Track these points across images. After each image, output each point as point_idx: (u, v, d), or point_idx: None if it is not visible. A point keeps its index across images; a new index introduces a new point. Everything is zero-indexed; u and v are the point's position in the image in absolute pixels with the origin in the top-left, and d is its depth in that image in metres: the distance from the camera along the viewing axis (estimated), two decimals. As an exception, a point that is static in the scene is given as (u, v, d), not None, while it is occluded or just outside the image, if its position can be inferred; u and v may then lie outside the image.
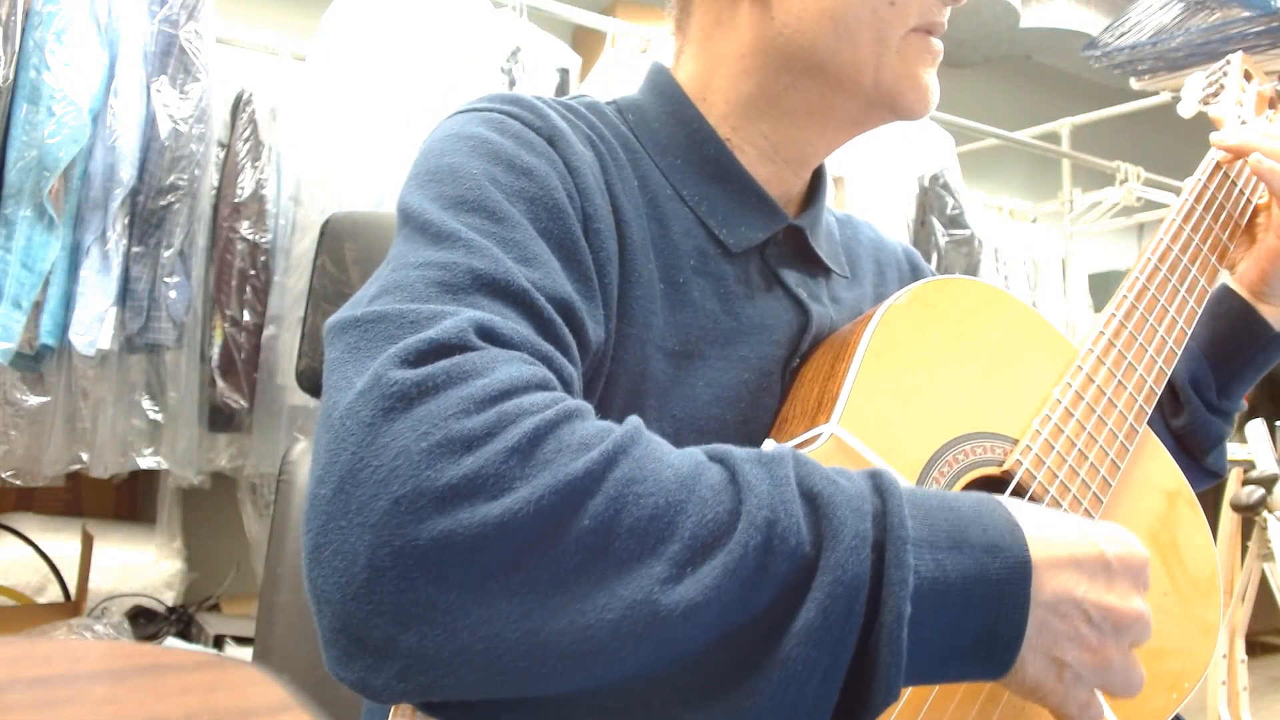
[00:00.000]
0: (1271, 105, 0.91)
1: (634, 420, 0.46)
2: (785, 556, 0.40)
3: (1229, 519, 1.99)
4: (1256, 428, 2.02)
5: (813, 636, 0.39)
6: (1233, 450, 3.51)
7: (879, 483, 0.44)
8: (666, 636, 0.39)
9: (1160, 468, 0.69)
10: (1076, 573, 0.46)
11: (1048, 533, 0.46)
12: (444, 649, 0.38)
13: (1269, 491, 1.88)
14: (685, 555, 0.40)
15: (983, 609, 0.43)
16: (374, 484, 0.40)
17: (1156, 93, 2.95)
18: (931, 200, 2.96)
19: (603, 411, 0.58)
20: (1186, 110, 0.91)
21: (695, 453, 0.45)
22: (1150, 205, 3.43)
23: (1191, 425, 0.80)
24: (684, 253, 0.64)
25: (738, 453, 0.45)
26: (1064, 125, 3.60)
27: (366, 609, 0.39)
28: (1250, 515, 1.91)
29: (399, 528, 0.39)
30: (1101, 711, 0.48)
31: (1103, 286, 3.66)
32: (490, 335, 0.46)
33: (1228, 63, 0.91)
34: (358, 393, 0.42)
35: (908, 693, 0.52)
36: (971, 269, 2.98)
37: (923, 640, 0.42)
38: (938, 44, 0.66)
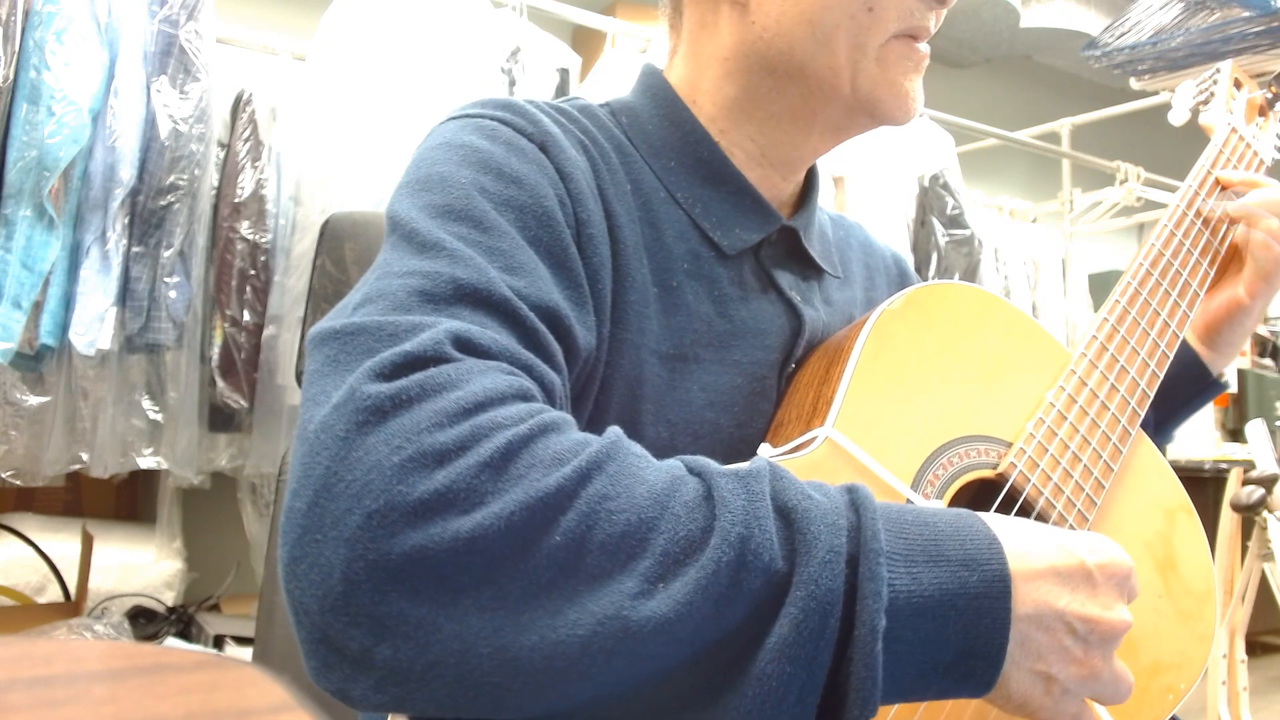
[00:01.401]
0: (1261, 113, 0.91)
1: (613, 432, 0.46)
2: (759, 572, 0.40)
3: (1229, 519, 1.98)
4: (1256, 427, 2.02)
5: (786, 652, 0.39)
6: (1233, 450, 3.51)
7: (855, 498, 0.44)
8: (638, 652, 0.39)
9: (1156, 474, 0.69)
10: (1057, 584, 0.45)
11: (1026, 546, 0.46)
12: (417, 662, 0.39)
13: (1269, 491, 1.88)
14: (657, 571, 0.40)
15: (961, 624, 0.43)
16: (348, 498, 0.40)
17: (1156, 93, 2.95)
18: (931, 200, 2.96)
19: (599, 416, 0.59)
20: (1177, 118, 0.91)
21: (674, 465, 0.45)
22: (1150, 205, 3.43)
23: None
24: (677, 256, 0.64)
25: (715, 467, 0.45)
26: (1064, 125, 3.61)
27: (343, 621, 0.39)
28: (1250, 515, 1.90)
29: (372, 542, 0.39)
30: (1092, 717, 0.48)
31: (1103, 286, 3.66)
32: (468, 346, 0.46)
33: (1218, 70, 0.91)
34: (333, 406, 0.43)
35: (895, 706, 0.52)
36: (971, 269, 2.98)
37: (901, 656, 0.41)
38: (923, 49, 0.65)
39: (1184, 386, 0.80)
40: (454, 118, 0.61)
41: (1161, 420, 0.81)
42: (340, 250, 0.91)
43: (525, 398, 0.45)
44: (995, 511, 0.56)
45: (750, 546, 0.40)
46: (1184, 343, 0.81)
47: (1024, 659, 0.44)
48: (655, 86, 0.70)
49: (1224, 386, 0.82)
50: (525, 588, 0.39)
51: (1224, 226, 0.80)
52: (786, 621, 0.40)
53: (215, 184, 2.02)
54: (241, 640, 1.95)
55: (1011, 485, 0.61)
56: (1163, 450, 0.81)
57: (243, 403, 2.00)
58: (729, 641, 0.40)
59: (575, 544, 0.40)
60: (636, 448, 0.46)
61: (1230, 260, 0.82)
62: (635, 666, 0.39)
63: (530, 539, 0.40)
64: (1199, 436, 3.53)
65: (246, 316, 2.00)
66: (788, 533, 0.42)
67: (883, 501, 0.45)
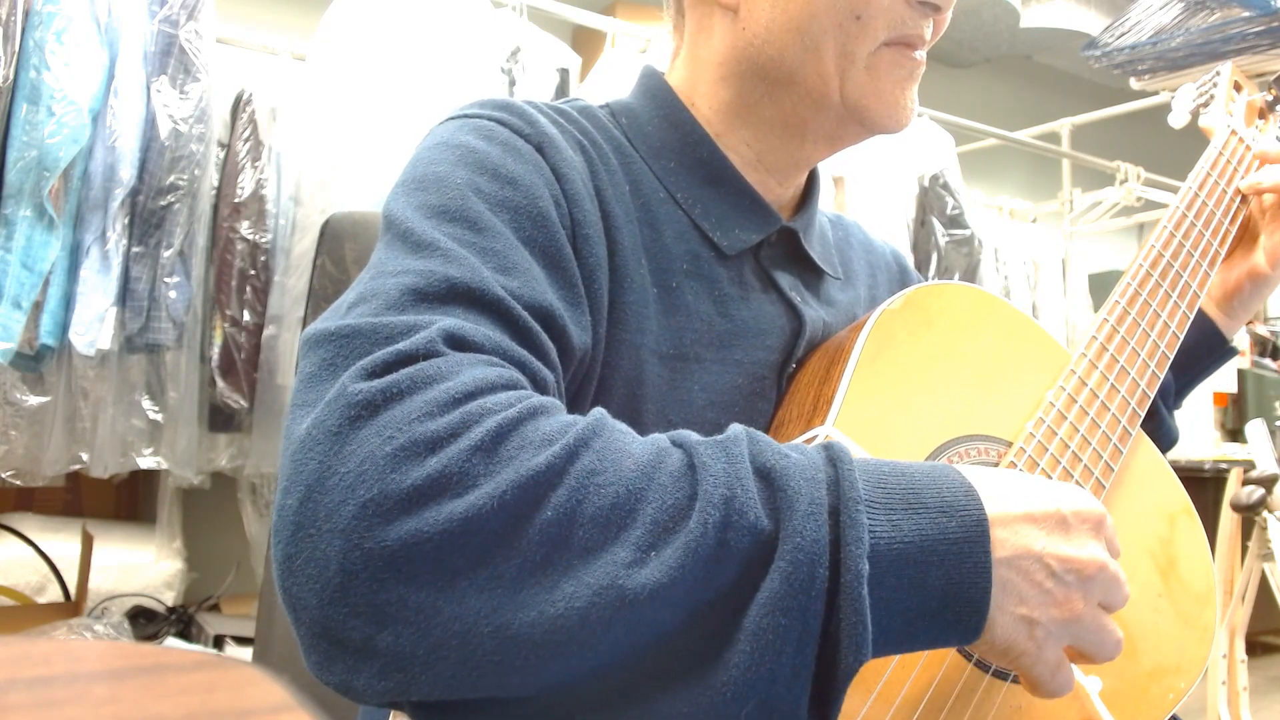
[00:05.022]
0: (1262, 115, 0.91)
1: (597, 412, 0.47)
2: (745, 531, 0.41)
3: (1229, 519, 1.98)
4: (1256, 427, 2.02)
5: (779, 605, 0.40)
6: (1233, 450, 3.50)
7: (831, 453, 0.45)
8: (635, 619, 0.40)
9: (1156, 474, 0.69)
10: (1033, 527, 0.47)
11: (1002, 492, 0.47)
12: (419, 647, 0.39)
13: (1269, 491, 1.88)
14: (648, 539, 0.41)
15: (944, 569, 0.44)
16: (341, 490, 0.40)
17: (1156, 93, 2.95)
18: (931, 200, 2.96)
19: None
20: (1177, 121, 0.92)
21: (659, 439, 0.46)
22: (1150, 205, 3.44)
23: (1157, 429, 0.83)
24: (676, 256, 0.64)
25: (696, 438, 0.46)
26: (1064, 125, 3.61)
27: (343, 611, 0.40)
28: (1250, 515, 1.90)
29: (368, 530, 0.40)
30: (1071, 676, 0.48)
31: (1103, 286, 3.66)
32: (459, 342, 0.46)
33: (1217, 73, 0.91)
34: (324, 404, 0.43)
35: (898, 701, 0.52)
36: (971, 269, 2.98)
37: (887, 601, 0.42)
38: (918, 56, 0.65)
39: (1203, 354, 0.83)
40: (452, 118, 0.62)
41: (1181, 387, 0.84)
42: (340, 250, 0.91)
43: (513, 387, 0.46)
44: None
45: (734, 506, 0.41)
46: (1201, 311, 0.84)
47: (1006, 602, 0.45)
48: (655, 88, 0.70)
49: (1235, 351, 0.85)
50: (521, 565, 0.40)
51: (1224, 229, 0.80)
52: (776, 576, 0.41)
53: (215, 184, 2.02)
54: (241, 640, 1.95)
55: (1011, 485, 0.61)
56: (1169, 446, 0.83)
57: (243, 403, 2.00)
58: (722, 601, 0.41)
59: (567, 519, 0.41)
60: (621, 425, 0.47)
61: (1242, 237, 0.84)
62: (634, 634, 0.40)
63: (523, 517, 0.40)
64: (1199, 436, 3.52)
65: (246, 316, 2.00)
66: (769, 491, 0.43)
67: (860, 455, 0.46)
